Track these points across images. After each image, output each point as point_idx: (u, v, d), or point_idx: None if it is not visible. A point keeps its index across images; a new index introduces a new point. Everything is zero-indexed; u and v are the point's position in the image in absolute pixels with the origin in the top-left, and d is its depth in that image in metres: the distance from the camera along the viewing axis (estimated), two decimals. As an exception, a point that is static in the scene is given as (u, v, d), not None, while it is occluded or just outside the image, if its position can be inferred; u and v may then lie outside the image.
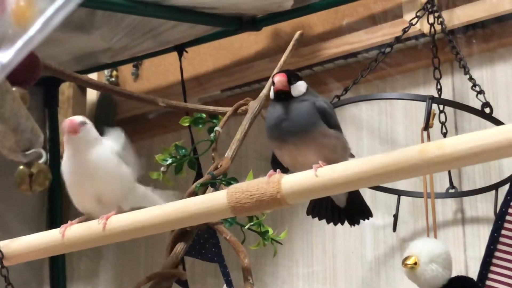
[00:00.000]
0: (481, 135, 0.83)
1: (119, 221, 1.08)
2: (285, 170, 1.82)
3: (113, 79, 2.16)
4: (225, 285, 1.47)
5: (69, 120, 1.09)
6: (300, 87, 1.07)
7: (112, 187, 1.14)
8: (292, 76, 1.06)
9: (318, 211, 1.14)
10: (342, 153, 1.06)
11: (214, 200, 1.00)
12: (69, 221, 1.14)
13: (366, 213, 1.14)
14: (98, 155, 1.12)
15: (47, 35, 0.57)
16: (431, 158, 0.84)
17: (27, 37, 0.57)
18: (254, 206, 0.96)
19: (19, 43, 0.58)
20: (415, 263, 1.35)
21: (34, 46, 0.58)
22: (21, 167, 1.02)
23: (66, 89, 2.20)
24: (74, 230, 1.12)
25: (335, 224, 1.15)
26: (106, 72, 2.15)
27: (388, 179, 0.93)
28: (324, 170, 0.94)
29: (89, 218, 1.17)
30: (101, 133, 1.21)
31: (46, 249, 1.15)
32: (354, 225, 1.15)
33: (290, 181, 0.96)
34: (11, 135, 0.96)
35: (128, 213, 1.09)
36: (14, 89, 0.97)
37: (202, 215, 1.02)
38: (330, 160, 0.98)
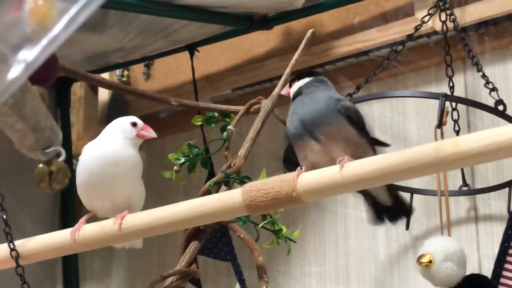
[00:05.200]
0: (497, 132, 0.82)
1: (135, 220, 1.08)
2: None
3: (124, 78, 2.16)
4: (238, 284, 1.47)
5: (151, 129, 1.13)
6: (297, 85, 1.12)
7: (137, 187, 1.15)
8: (293, 79, 1.13)
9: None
10: (365, 147, 1.05)
11: (229, 198, 1.00)
12: (77, 224, 1.13)
13: (407, 210, 1.15)
14: (137, 158, 1.14)
15: (71, 34, 0.57)
16: (447, 156, 0.84)
17: (52, 35, 0.58)
18: (269, 204, 0.96)
19: (44, 42, 0.58)
20: (430, 261, 1.35)
21: (59, 45, 0.59)
22: (41, 165, 1.03)
23: (78, 89, 2.20)
24: (89, 230, 1.12)
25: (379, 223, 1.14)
26: (117, 72, 2.15)
27: (403, 177, 0.92)
28: (338, 168, 0.93)
29: (95, 215, 1.17)
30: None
31: (61, 248, 1.15)
32: (395, 223, 1.14)
33: (306, 179, 0.95)
34: (31, 134, 0.96)
35: (143, 212, 1.09)
36: (33, 87, 0.98)
37: (217, 213, 1.02)
38: (355, 155, 0.98)
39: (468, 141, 0.84)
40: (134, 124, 1.16)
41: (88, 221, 1.15)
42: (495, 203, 1.56)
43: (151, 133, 1.17)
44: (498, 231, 1.51)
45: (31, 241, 1.16)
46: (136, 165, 1.16)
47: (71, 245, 1.13)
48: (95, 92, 2.22)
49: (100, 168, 1.12)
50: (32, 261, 1.16)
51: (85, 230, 1.13)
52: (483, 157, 0.84)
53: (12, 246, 1.13)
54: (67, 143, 2.03)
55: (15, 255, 1.13)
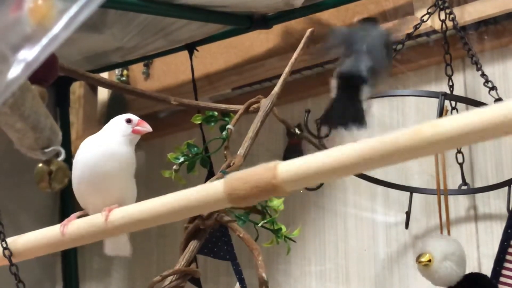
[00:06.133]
0: (477, 113, 0.81)
1: (121, 212, 1.08)
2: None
3: (123, 78, 2.16)
4: (237, 283, 1.47)
5: (146, 124, 1.14)
6: None
7: (129, 185, 1.15)
8: None
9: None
10: None
11: (211, 189, 0.99)
12: (67, 219, 1.14)
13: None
14: (130, 156, 1.15)
15: (71, 33, 0.58)
16: (427, 138, 0.83)
17: (52, 35, 0.58)
18: (250, 194, 0.93)
19: (44, 41, 0.58)
20: (429, 261, 1.35)
21: (59, 45, 0.59)
22: (40, 164, 1.03)
23: (77, 89, 2.20)
24: (77, 224, 1.12)
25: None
26: (116, 71, 2.15)
27: (384, 162, 0.90)
28: (320, 156, 0.92)
29: (86, 213, 1.17)
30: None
31: (52, 244, 1.15)
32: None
33: (287, 166, 0.94)
34: (30, 133, 0.96)
35: (130, 206, 1.09)
36: (33, 87, 0.98)
37: (200, 205, 1.00)
38: None
39: (448, 124, 0.83)
40: (129, 121, 1.16)
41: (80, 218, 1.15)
42: (495, 202, 1.56)
43: (146, 127, 1.17)
44: (497, 230, 1.51)
45: (22, 238, 1.15)
46: (129, 162, 1.16)
47: (61, 240, 1.12)
48: (95, 91, 2.22)
49: (93, 163, 1.12)
50: (24, 258, 1.16)
51: (74, 224, 1.13)
52: (463, 139, 0.82)
53: (4, 245, 1.13)
54: (66, 142, 2.02)
55: (8, 254, 1.12)
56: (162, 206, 1.03)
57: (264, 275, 1.11)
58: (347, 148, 0.89)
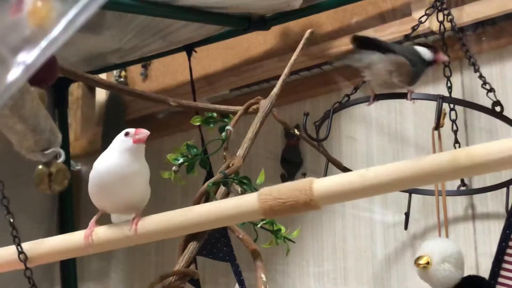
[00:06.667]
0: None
1: (149, 224, 1.10)
2: (295, 171, 1.83)
3: (122, 79, 2.16)
4: (237, 284, 1.47)
5: (143, 129, 1.16)
6: None
7: (146, 193, 1.17)
8: None
9: None
10: None
11: (245, 205, 1.02)
12: (89, 225, 1.15)
13: None
14: (144, 164, 1.17)
15: (71, 36, 0.58)
16: (462, 165, 0.86)
17: (51, 38, 0.58)
18: (286, 211, 0.99)
19: (43, 44, 0.58)
20: (428, 263, 1.35)
21: (58, 47, 0.59)
22: (40, 166, 1.03)
23: (75, 90, 2.20)
24: (102, 233, 1.14)
25: None
26: (114, 72, 2.15)
27: (417, 184, 0.94)
28: (355, 176, 0.95)
29: (104, 214, 1.18)
30: (111, 133, 1.22)
31: (73, 251, 1.17)
32: None
33: (322, 186, 0.97)
34: (30, 135, 0.97)
35: (159, 215, 1.11)
36: (33, 89, 0.97)
37: (232, 218, 1.04)
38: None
39: (482, 153, 0.86)
40: (126, 134, 1.17)
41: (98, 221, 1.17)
42: (493, 203, 1.56)
43: (143, 133, 1.18)
44: (495, 230, 1.52)
45: (41, 245, 1.17)
46: (143, 172, 1.18)
47: (85, 249, 1.14)
48: (93, 92, 2.22)
49: (111, 182, 1.15)
50: (41, 263, 1.18)
51: (99, 233, 1.14)
52: (497, 167, 0.86)
53: (20, 249, 1.14)
54: (64, 143, 2.02)
55: (24, 258, 1.14)
56: (195, 217, 1.06)
57: (263, 275, 1.11)
58: (383, 168, 0.92)
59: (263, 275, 1.11)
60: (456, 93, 1.60)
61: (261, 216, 1.01)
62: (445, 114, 1.47)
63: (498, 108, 1.48)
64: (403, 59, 1.37)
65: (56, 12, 0.60)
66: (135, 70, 2.16)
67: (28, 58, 0.61)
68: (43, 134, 0.97)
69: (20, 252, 1.14)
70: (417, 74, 1.39)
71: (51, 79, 1.21)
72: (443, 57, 1.42)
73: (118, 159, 1.15)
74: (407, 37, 1.57)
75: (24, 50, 0.61)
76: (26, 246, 1.16)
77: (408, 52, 1.40)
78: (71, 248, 1.16)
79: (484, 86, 1.51)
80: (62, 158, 1.02)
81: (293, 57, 1.36)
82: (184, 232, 1.10)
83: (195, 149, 1.25)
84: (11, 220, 1.16)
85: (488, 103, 1.49)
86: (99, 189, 1.16)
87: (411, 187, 0.96)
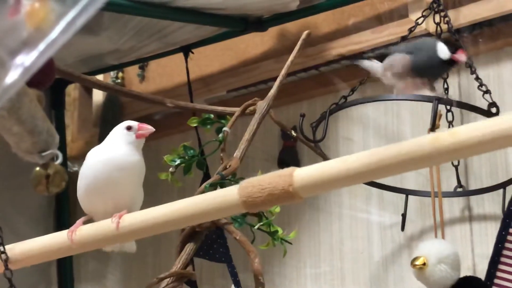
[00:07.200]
0: (495, 121, 0.81)
1: (132, 219, 1.08)
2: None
3: (119, 80, 2.16)
4: (233, 286, 1.47)
5: (147, 125, 1.15)
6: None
7: (139, 193, 1.16)
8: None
9: None
10: None
11: (226, 195, 0.99)
12: (74, 225, 1.13)
13: None
14: (142, 160, 1.16)
15: (69, 38, 0.58)
16: (444, 147, 0.83)
17: (50, 40, 0.58)
18: (265, 200, 0.94)
19: (42, 46, 0.58)
20: (424, 264, 1.35)
21: (56, 50, 0.59)
22: (38, 168, 1.03)
23: (72, 91, 2.20)
24: (86, 230, 1.12)
25: None
26: (111, 74, 2.15)
27: (400, 169, 0.91)
28: (336, 162, 0.93)
29: (91, 218, 1.16)
30: (108, 134, 1.22)
31: (57, 250, 1.14)
32: None
33: (302, 174, 0.94)
34: (27, 137, 0.96)
35: (140, 211, 1.09)
36: (30, 91, 0.97)
37: (214, 211, 1.01)
38: None
39: (466, 131, 0.83)
40: (129, 128, 1.16)
41: (85, 223, 1.15)
42: (489, 204, 1.56)
43: (148, 129, 1.17)
44: (492, 232, 1.52)
45: (21, 245, 1.15)
46: (140, 170, 1.17)
47: (69, 247, 1.12)
48: (90, 94, 2.22)
49: (108, 173, 1.12)
50: (23, 265, 1.15)
51: (82, 230, 1.13)
52: (481, 147, 0.83)
53: (2, 249, 1.12)
54: (61, 145, 2.02)
55: (5, 258, 1.12)
56: (174, 212, 1.03)
57: (260, 278, 1.11)
58: (364, 154, 0.89)
59: (260, 277, 1.11)
60: (453, 95, 1.60)
61: (242, 208, 0.98)
62: (440, 115, 1.47)
63: (494, 110, 1.48)
64: (399, 55, 1.39)
65: (55, 14, 0.60)
66: (132, 71, 2.16)
67: (26, 60, 0.60)
68: (40, 136, 0.97)
69: (2, 252, 1.12)
70: (424, 67, 1.38)
71: (49, 81, 1.21)
72: (459, 57, 1.38)
73: (119, 151, 1.13)
74: (403, 39, 1.57)
75: (23, 52, 0.60)
76: (8, 247, 1.14)
77: (415, 47, 1.41)
78: (54, 248, 1.14)
79: (480, 88, 1.51)
80: (59, 160, 1.01)
81: (290, 59, 1.36)
82: (167, 228, 1.08)
83: (192, 151, 1.25)
84: None
85: (484, 105, 1.49)
86: (93, 182, 1.12)
87: (395, 173, 0.93)
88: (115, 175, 1.12)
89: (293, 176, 0.93)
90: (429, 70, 1.39)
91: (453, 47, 1.39)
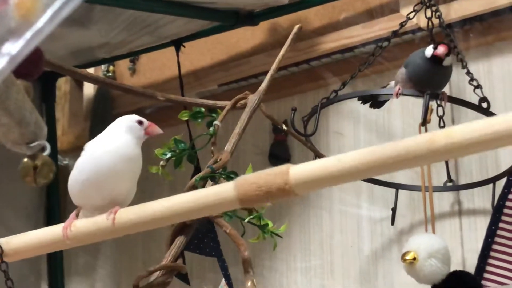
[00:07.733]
0: (490, 122, 0.82)
1: (127, 214, 1.08)
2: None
3: (110, 74, 2.16)
4: (223, 279, 1.47)
5: (157, 126, 1.15)
6: (449, 60, 1.43)
7: (133, 189, 1.16)
8: (450, 51, 1.42)
9: None
10: None
11: (222, 192, 1.00)
12: (69, 218, 1.13)
13: None
14: (141, 155, 1.15)
15: (55, 27, 0.57)
16: (440, 147, 0.84)
17: (36, 29, 0.58)
18: (262, 197, 0.95)
19: (28, 35, 0.58)
20: (414, 258, 1.36)
21: (43, 38, 0.59)
22: (26, 159, 1.03)
23: (63, 84, 2.20)
24: (81, 225, 1.12)
25: None
26: (102, 67, 2.15)
27: (396, 167, 0.91)
28: (332, 160, 0.93)
29: (82, 210, 1.16)
30: (99, 127, 1.22)
31: (52, 245, 1.14)
32: None
33: (298, 172, 0.95)
34: (15, 128, 0.96)
35: (136, 206, 1.09)
36: (18, 81, 0.97)
37: (210, 207, 1.01)
38: None
39: (461, 132, 0.83)
40: (140, 123, 1.16)
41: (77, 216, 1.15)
42: (479, 198, 1.57)
43: (158, 130, 1.17)
44: (481, 226, 1.52)
45: (16, 238, 1.15)
46: (140, 164, 1.16)
47: (63, 241, 1.12)
48: (80, 87, 2.21)
49: (113, 164, 1.11)
50: (18, 258, 1.15)
51: (77, 226, 1.12)
52: (477, 147, 0.83)
53: None
54: (52, 138, 2.02)
55: (0, 251, 1.12)
56: (170, 208, 1.03)
57: (250, 270, 1.11)
58: (360, 152, 0.90)
59: (250, 270, 1.11)
60: (444, 89, 1.60)
61: (238, 204, 0.99)
62: (431, 110, 1.47)
63: (485, 105, 1.49)
64: (399, 70, 1.49)
65: (42, 3, 0.60)
66: (123, 65, 2.15)
67: (13, 49, 0.60)
68: (28, 127, 0.97)
69: None
70: (419, 73, 1.44)
71: (37, 72, 1.20)
72: (439, 50, 1.42)
73: (127, 142, 1.12)
74: (394, 33, 1.57)
75: (9, 41, 0.60)
76: (3, 240, 1.14)
77: (409, 59, 1.48)
78: (49, 242, 1.14)
79: (471, 82, 1.51)
80: (47, 151, 1.01)
81: (281, 53, 1.36)
82: (163, 223, 1.08)
83: (182, 144, 1.25)
84: None
85: (475, 100, 1.49)
86: (95, 173, 1.11)
87: (390, 171, 0.93)
88: (119, 167, 1.11)
89: (289, 174, 0.94)
90: (423, 75, 1.43)
91: (436, 44, 1.42)
